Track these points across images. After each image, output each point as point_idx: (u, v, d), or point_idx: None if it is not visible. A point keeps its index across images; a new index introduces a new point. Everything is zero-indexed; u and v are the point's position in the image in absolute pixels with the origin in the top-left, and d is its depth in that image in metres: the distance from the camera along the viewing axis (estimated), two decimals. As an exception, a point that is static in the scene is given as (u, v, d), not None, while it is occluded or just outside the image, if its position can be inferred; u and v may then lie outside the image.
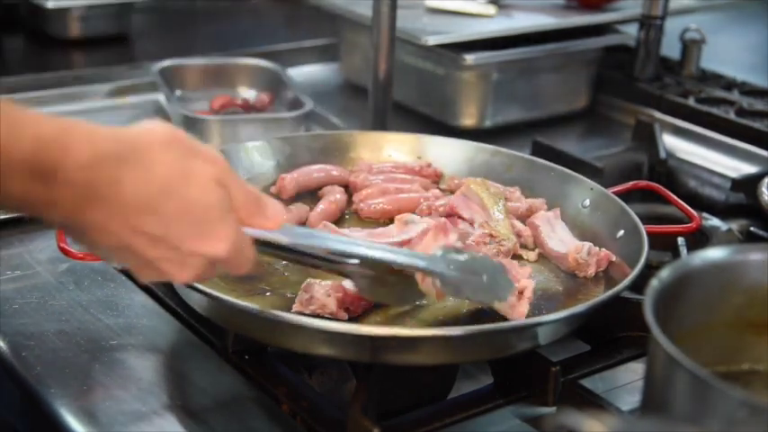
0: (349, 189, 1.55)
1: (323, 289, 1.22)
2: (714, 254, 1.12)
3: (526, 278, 1.24)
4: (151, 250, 0.99)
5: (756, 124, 1.94)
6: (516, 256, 1.41)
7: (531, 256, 1.41)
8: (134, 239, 0.98)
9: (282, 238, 1.11)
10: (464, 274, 1.16)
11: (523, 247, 1.43)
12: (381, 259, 1.15)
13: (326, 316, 1.21)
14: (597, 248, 1.37)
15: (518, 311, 1.22)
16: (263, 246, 1.10)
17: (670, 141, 1.99)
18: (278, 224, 1.10)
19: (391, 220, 1.43)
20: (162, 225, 0.98)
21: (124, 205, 0.96)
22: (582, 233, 1.47)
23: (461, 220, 1.43)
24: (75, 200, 0.95)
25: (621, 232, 1.40)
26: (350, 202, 1.53)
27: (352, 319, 1.23)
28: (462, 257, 1.17)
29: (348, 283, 1.21)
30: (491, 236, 1.36)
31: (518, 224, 1.45)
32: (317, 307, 1.21)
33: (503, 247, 1.35)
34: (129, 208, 0.96)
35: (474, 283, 1.17)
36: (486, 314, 1.26)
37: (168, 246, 0.99)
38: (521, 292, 1.22)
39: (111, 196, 0.96)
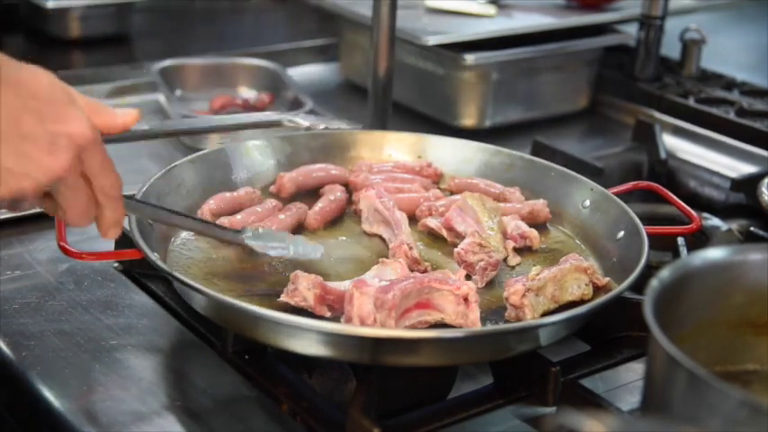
0: (349, 188, 1.55)
1: (305, 282, 1.22)
2: (714, 254, 1.12)
3: (466, 284, 1.23)
4: (15, 126, 1.02)
5: (756, 124, 1.94)
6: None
7: (513, 261, 1.41)
8: None
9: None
10: (267, 241, 1.30)
11: (527, 249, 1.44)
12: (203, 232, 1.32)
13: (312, 312, 1.22)
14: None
15: (471, 319, 1.22)
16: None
17: (670, 141, 1.99)
18: (128, 122, 1.16)
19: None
20: (19, 99, 1.02)
21: None
22: (582, 233, 1.48)
23: (457, 235, 1.43)
24: None
25: (622, 233, 1.40)
26: (350, 201, 1.53)
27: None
28: (261, 231, 1.30)
29: (333, 283, 1.24)
30: (480, 245, 1.36)
31: (523, 226, 1.45)
32: (299, 299, 1.22)
33: (491, 258, 1.35)
34: None
35: (280, 250, 1.30)
36: (486, 316, 1.27)
37: (31, 122, 1.02)
38: (465, 299, 1.22)
39: None
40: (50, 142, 1.04)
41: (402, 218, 1.42)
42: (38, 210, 1.54)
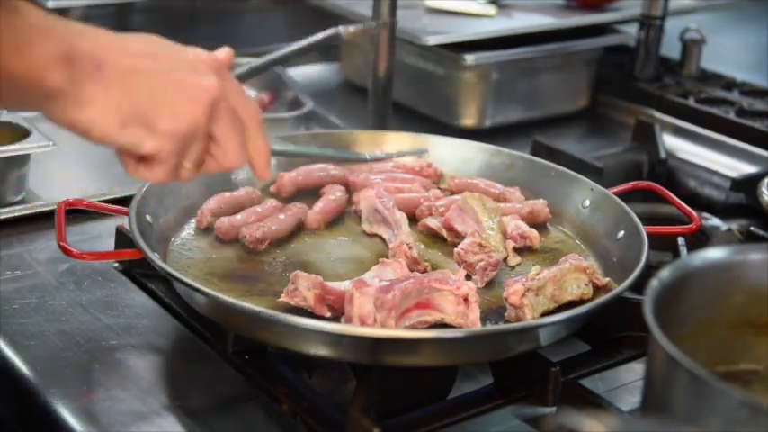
0: (349, 188, 1.55)
1: (305, 282, 1.22)
2: (714, 254, 1.12)
3: (466, 284, 1.23)
4: (155, 61, 1.04)
5: (756, 124, 1.94)
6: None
7: (513, 261, 1.41)
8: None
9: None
10: None
11: (527, 249, 1.44)
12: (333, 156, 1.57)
13: (311, 311, 1.22)
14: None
15: (471, 319, 1.22)
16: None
17: (670, 141, 1.99)
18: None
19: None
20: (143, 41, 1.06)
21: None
22: (582, 233, 1.48)
23: (457, 235, 1.43)
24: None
25: (622, 233, 1.40)
26: (350, 201, 1.53)
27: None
28: None
29: (333, 283, 1.24)
30: (480, 245, 1.36)
31: (523, 226, 1.45)
32: (299, 299, 1.22)
33: (491, 258, 1.35)
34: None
35: None
36: (486, 316, 1.27)
37: (165, 54, 1.06)
38: (465, 299, 1.22)
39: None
40: (192, 65, 1.06)
41: (402, 218, 1.42)
42: (38, 210, 1.56)
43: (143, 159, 1.08)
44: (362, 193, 1.49)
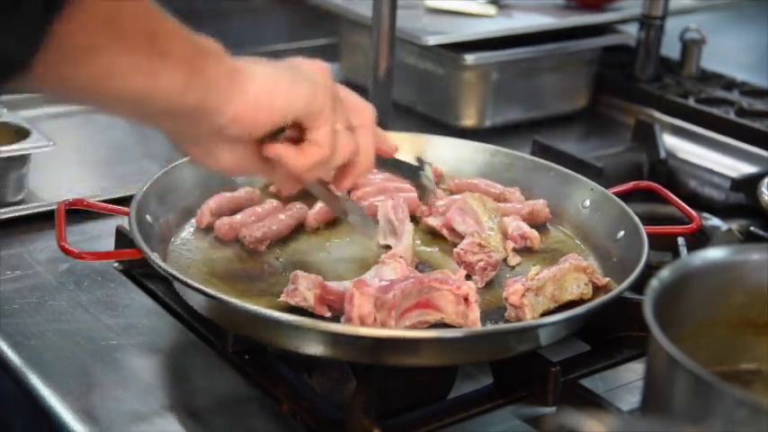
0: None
1: (305, 282, 1.22)
2: (714, 254, 1.12)
3: (466, 284, 1.23)
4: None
5: (756, 124, 1.94)
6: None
7: (513, 261, 1.41)
8: None
9: None
10: None
11: (527, 249, 1.44)
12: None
13: (311, 311, 1.22)
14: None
15: (471, 319, 1.22)
16: None
17: (670, 141, 1.99)
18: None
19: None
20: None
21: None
22: (582, 233, 1.48)
23: (457, 236, 1.43)
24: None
25: (622, 233, 1.40)
26: (350, 202, 1.53)
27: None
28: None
29: (333, 283, 1.24)
30: (480, 245, 1.36)
31: (524, 226, 1.45)
32: (299, 299, 1.22)
33: (490, 258, 1.35)
34: None
35: None
36: (486, 316, 1.27)
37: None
38: (465, 299, 1.22)
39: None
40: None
41: (408, 231, 1.40)
42: (38, 210, 1.56)
43: (299, 141, 1.15)
44: (380, 202, 1.47)
